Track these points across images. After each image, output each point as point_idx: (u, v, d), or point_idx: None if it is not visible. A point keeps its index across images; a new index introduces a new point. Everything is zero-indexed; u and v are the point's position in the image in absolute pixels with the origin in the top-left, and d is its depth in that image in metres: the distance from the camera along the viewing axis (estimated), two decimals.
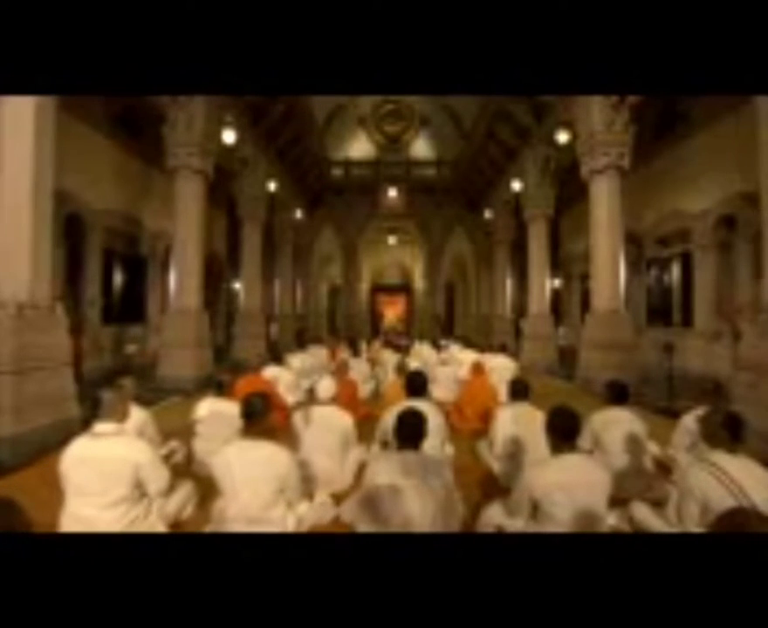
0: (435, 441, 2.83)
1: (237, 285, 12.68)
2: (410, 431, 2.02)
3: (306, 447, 2.97)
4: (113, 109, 8.33)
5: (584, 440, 2.97)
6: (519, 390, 3.29)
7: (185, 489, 2.56)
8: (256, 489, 2.12)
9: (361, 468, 3.15)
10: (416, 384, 3.05)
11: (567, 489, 1.93)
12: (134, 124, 8.96)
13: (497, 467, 3.19)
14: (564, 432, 2.01)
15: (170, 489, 2.42)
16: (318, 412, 3.05)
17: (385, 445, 3.09)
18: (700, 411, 2.72)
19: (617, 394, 3.07)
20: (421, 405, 2.87)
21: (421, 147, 17.57)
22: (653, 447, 3.07)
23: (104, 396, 2.26)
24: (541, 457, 3.13)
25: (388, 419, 2.93)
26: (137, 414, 3.12)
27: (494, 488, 3.08)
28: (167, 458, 3.36)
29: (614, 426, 2.93)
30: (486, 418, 4.63)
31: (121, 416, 2.32)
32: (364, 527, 2.12)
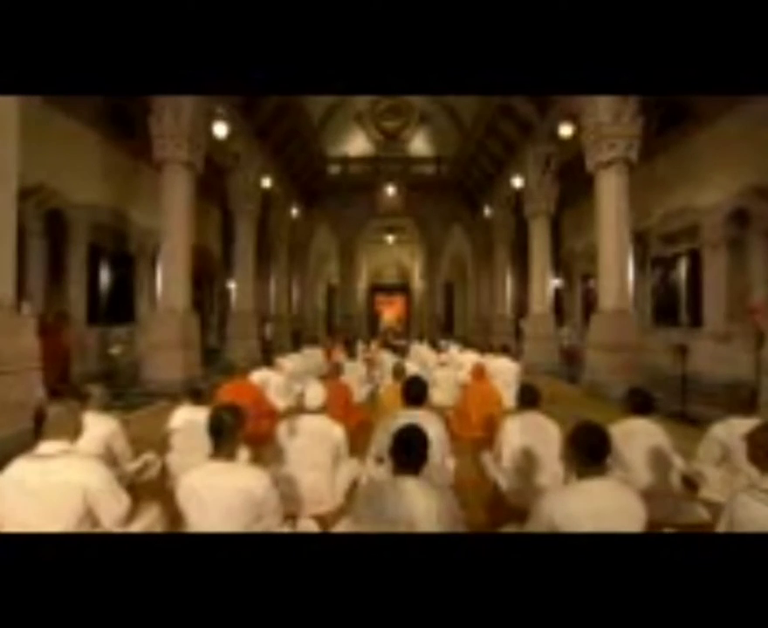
0: (435, 456, 2.52)
1: (232, 285, 12.34)
2: (409, 454, 1.71)
3: (291, 461, 2.66)
4: (98, 99, 7.96)
5: None
6: (528, 397, 2.97)
7: (151, 515, 2.23)
8: (227, 520, 1.79)
9: (354, 485, 2.85)
10: (415, 392, 2.73)
11: (597, 520, 1.62)
12: (122, 114, 8.59)
13: (504, 482, 2.87)
14: (591, 452, 1.69)
15: (133, 515, 2.10)
16: (306, 422, 2.73)
17: (380, 460, 2.77)
18: (741, 425, 2.40)
19: (640, 403, 2.76)
20: (420, 416, 2.57)
21: (419, 144, 17.25)
22: (678, 462, 2.75)
23: (50, 410, 1.93)
24: (554, 472, 2.85)
25: (384, 432, 2.62)
26: (105, 425, 2.79)
27: (501, 507, 2.77)
28: (139, 473, 3.05)
29: (637, 439, 2.62)
30: (490, 425, 4.32)
31: (72, 433, 1.99)
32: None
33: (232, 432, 1.85)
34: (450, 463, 2.99)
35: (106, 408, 3.07)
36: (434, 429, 2.53)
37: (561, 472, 2.83)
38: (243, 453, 3.33)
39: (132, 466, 2.98)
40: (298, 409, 2.95)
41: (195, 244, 11.70)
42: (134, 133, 8.61)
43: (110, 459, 2.84)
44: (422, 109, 16.61)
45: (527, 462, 2.78)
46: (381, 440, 2.68)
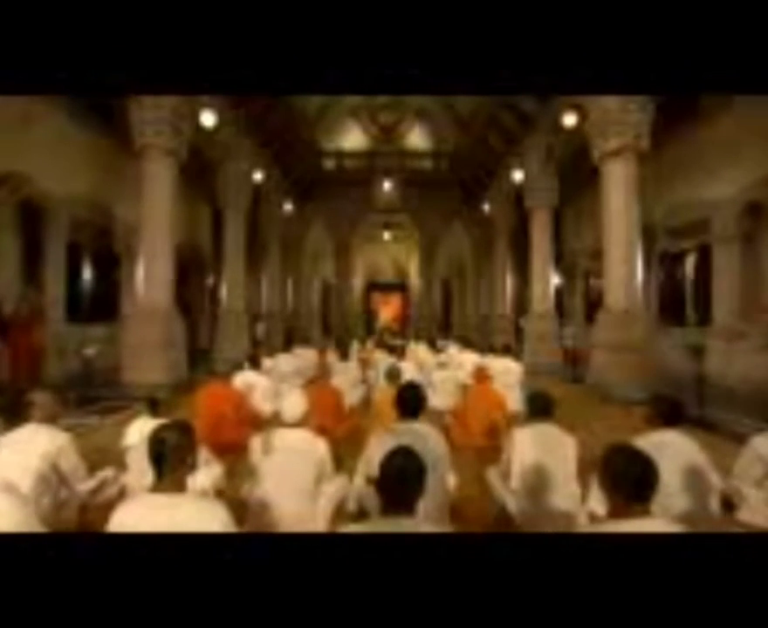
0: (434, 477, 2.14)
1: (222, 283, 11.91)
2: (402, 489, 1.33)
3: (266, 483, 2.27)
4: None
5: None
6: (541, 406, 2.59)
7: None
8: None
9: (340, 508, 2.48)
10: (410, 402, 2.34)
11: None
12: (103, 101, 8.13)
13: (512, 504, 2.50)
14: (635, 486, 1.32)
15: None
16: (283, 436, 2.35)
17: (371, 480, 2.39)
18: None
19: (668, 413, 2.39)
20: (417, 431, 2.19)
21: (417, 139, 16.85)
22: (715, 481, 2.38)
23: None
24: (569, 493, 2.48)
25: (376, 448, 2.25)
26: (49, 440, 2.41)
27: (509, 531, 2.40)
28: (95, 493, 2.66)
29: (668, 455, 2.24)
30: (492, 432, 3.98)
31: None
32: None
33: (179, 456, 1.47)
34: (451, 479, 2.62)
35: (52, 418, 2.68)
36: (433, 445, 2.16)
37: (578, 493, 2.48)
38: (216, 468, 2.98)
39: (85, 485, 2.59)
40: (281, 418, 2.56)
41: (185, 241, 11.38)
42: (117, 119, 8.15)
43: (57, 478, 2.48)
44: (420, 103, 16.21)
45: (540, 481, 2.41)
46: (372, 457, 2.30)
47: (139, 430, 2.65)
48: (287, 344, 9.50)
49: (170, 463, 1.45)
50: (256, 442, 2.37)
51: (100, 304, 8.61)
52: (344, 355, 6.39)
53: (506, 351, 6.45)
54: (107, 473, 2.75)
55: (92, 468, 2.85)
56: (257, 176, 10.46)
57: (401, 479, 1.34)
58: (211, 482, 2.82)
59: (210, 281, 13.18)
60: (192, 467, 1.55)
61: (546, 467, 2.40)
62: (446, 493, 2.33)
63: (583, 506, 2.47)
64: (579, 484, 2.49)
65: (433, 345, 8.13)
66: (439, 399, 5.32)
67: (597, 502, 2.57)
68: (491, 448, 3.79)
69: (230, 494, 2.73)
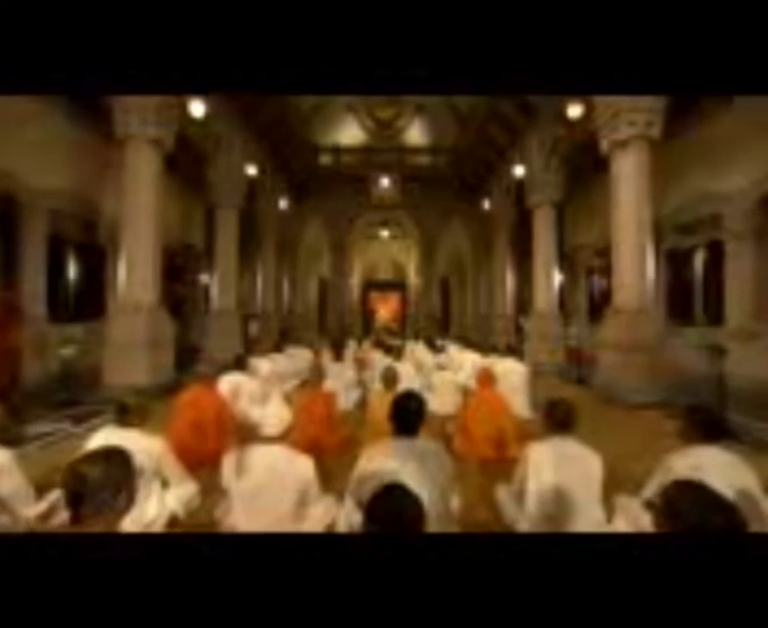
0: (437, 505, 1.80)
1: (214, 281, 11.55)
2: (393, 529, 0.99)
3: (240, 509, 1.93)
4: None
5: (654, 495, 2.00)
6: (560, 417, 2.25)
7: None
8: None
9: (330, 529, 2.14)
10: (408, 417, 1.98)
11: None
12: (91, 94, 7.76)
13: (527, 528, 2.17)
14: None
15: None
16: (260, 455, 2.00)
17: (360, 504, 2.06)
18: None
19: (708, 427, 2.06)
20: (416, 451, 1.85)
21: (415, 134, 16.48)
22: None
23: None
24: (595, 519, 2.15)
25: (366, 466, 1.91)
26: None
27: None
28: (45, 517, 2.32)
29: (711, 477, 1.91)
30: (500, 442, 3.65)
31: None
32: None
33: (103, 497, 1.12)
34: (455, 502, 2.28)
35: (3, 431, 2.34)
36: (436, 468, 1.82)
37: (602, 518, 2.15)
38: (190, 486, 2.64)
39: (32, 509, 2.25)
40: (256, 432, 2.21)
41: (177, 238, 11.02)
42: (104, 114, 7.79)
43: None
44: (418, 98, 15.86)
45: (559, 505, 2.08)
46: (364, 476, 1.96)
47: (102, 441, 2.29)
48: (280, 344, 9.16)
49: (91, 507, 1.10)
50: (228, 461, 2.02)
51: (86, 301, 8.24)
52: (338, 356, 6.04)
53: (510, 351, 6.11)
54: (60, 494, 2.40)
55: (51, 486, 2.52)
56: (251, 171, 10.11)
57: (394, 520, 1.00)
58: (182, 503, 2.49)
59: (204, 279, 12.82)
60: (127, 508, 1.21)
61: (567, 489, 2.06)
62: (450, 520, 1.99)
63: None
64: (604, 510, 2.17)
65: (432, 345, 7.78)
66: (438, 403, 5.00)
67: (623, 527, 2.25)
68: (497, 460, 3.47)
69: (204, 517, 2.40)
